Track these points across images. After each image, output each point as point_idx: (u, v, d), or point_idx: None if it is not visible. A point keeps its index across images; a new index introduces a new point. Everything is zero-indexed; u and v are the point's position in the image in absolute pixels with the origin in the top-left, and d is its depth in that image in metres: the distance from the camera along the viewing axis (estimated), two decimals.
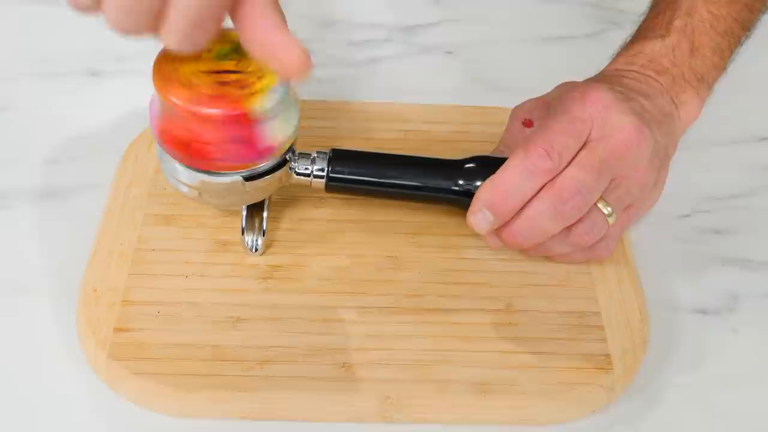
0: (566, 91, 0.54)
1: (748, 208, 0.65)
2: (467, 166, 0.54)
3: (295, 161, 0.53)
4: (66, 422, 0.51)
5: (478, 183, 0.53)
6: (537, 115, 0.58)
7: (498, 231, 0.53)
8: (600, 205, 0.52)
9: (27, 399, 0.51)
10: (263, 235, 0.56)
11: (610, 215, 0.53)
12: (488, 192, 0.51)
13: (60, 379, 0.52)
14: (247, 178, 0.51)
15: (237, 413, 0.50)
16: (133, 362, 0.50)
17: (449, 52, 0.76)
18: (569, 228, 0.53)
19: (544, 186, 0.51)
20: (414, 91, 0.70)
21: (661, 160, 0.56)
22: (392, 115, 0.66)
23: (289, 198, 0.60)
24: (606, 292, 0.56)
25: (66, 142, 0.60)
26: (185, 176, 0.51)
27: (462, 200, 0.54)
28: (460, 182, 0.54)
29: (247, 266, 0.56)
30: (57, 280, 0.56)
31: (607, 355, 0.52)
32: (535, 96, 0.60)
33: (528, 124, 0.58)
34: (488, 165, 0.53)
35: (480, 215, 0.52)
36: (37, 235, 0.59)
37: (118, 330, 0.52)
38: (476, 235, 0.58)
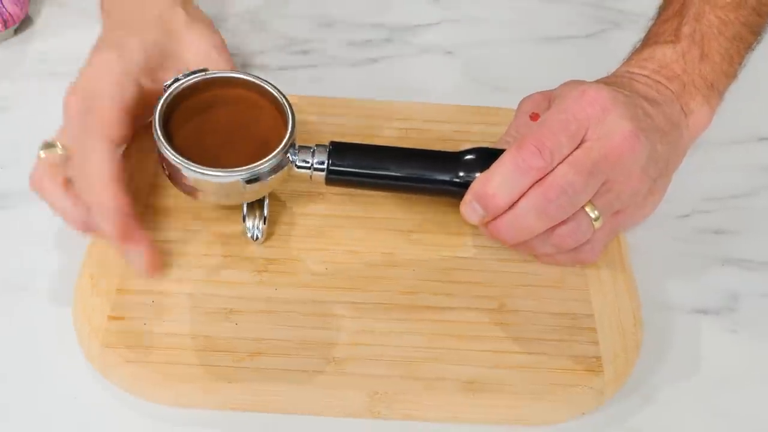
0: (568, 90, 0.55)
1: (748, 208, 0.66)
2: (467, 157, 0.56)
3: (295, 154, 0.55)
4: (61, 411, 0.53)
5: (477, 174, 0.54)
6: (544, 107, 0.59)
7: (485, 224, 0.55)
8: (587, 209, 0.53)
9: (23, 389, 0.54)
10: (264, 222, 0.58)
11: (596, 219, 0.54)
12: (480, 186, 0.53)
13: (57, 369, 0.55)
14: (248, 180, 0.54)
15: (227, 404, 0.53)
16: (125, 350, 0.53)
17: (449, 52, 0.78)
18: (552, 228, 0.54)
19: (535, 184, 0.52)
20: (414, 91, 0.72)
21: (659, 170, 0.56)
22: (393, 113, 0.68)
23: (286, 193, 0.62)
24: (600, 294, 0.58)
25: None
26: (185, 175, 0.54)
27: (461, 192, 0.55)
28: (461, 174, 0.55)
29: (242, 259, 0.58)
30: (56, 280, 0.59)
31: (598, 358, 0.54)
32: None
33: (534, 117, 0.59)
34: (488, 157, 0.54)
35: (470, 207, 0.54)
36: (37, 235, 0.62)
37: (112, 318, 0.54)
38: (472, 235, 0.60)
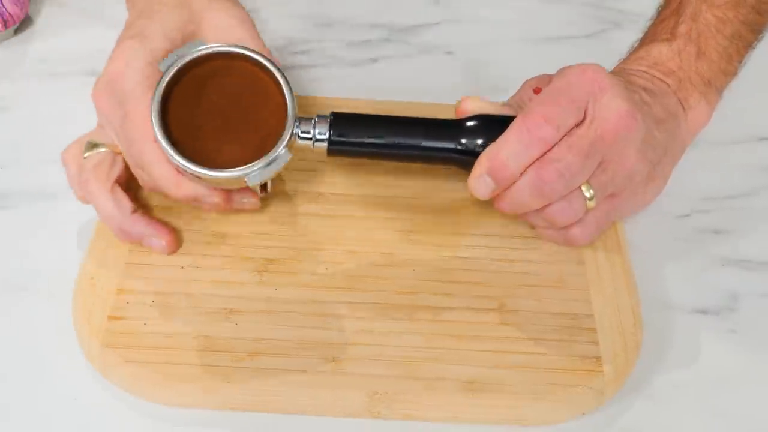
0: (568, 68, 0.56)
1: (747, 208, 0.67)
2: (469, 124, 0.56)
3: (297, 126, 0.55)
4: (61, 411, 0.54)
5: (479, 141, 0.55)
6: (546, 83, 0.59)
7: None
8: (583, 188, 0.54)
9: (23, 389, 0.54)
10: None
11: (590, 199, 0.54)
12: (488, 159, 0.53)
13: (57, 369, 0.55)
14: (252, 178, 0.54)
15: (227, 404, 0.53)
16: (125, 350, 0.53)
17: (449, 52, 0.78)
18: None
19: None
20: (414, 91, 0.73)
21: (657, 156, 0.57)
22: (393, 114, 0.67)
23: (286, 192, 0.62)
24: (600, 294, 0.58)
25: (66, 142, 0.62)
26: (189, 169, 0.54)
27: (464, 159, 0.56)
28: (463, 141, 0.55)
29: (242, 259, 0.59)
30: (56, 280, 0.59)
31: (598, 358, 0.55)
32: None
33: (538, 91, 0.59)
34: (489, 123, 0.55)
35: (480, 180, 0.54)
36: (37, 235, 0.62)
37: (112, 318, 0.55)
38: (472, 235, 0.61)
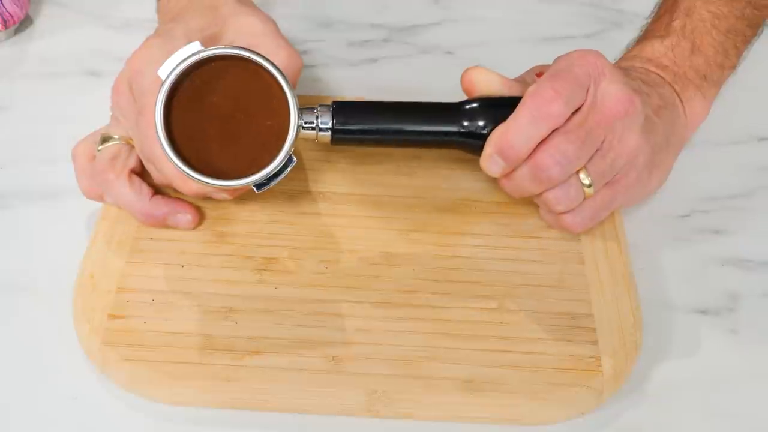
0: (568, 52, 0.56)
1: (747, 208, 0.67)
2: (470, 106, 0.57)
3: (300, 117, 0.55)
4: (61, 411, 0.54)
5: (481, 123, 0.56)
6: None
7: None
8: (581, 175, 0.54)
9: (23, 389, 0.55)
10: None
11: (589, 186, 0.55)
12: (498, 137, 0.54)
13: (57, 369, 0.56)
14: (259, 185, 0.54)
15: (226, 403, 0.54)
16: (125, 349, 0.54)
17: (449, 52, 0.79)
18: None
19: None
20: (414, 91, 0.73)
21: (658, 145, 0.57)
22: None
23: (286, 192, 0.63)
24: (600, 294, 0.58)
25: (66, 142, 0.63)
26: (201, 182, 0.54)
27: (467, 142, 0.56)
28: (464, 124, 0.56)
29: (242, 258, 0.59)
30: (56, 280, 0.59)
31: (597, 357, 0.55)
32: None
33: (540, 75, 0.59)
34: (489, 104, 0.56)
35: (491, 160, 0.54)
36: (36, 235, 0.63)
37: (112, 316, 0.55)
38: (472, 235, 0.61)
